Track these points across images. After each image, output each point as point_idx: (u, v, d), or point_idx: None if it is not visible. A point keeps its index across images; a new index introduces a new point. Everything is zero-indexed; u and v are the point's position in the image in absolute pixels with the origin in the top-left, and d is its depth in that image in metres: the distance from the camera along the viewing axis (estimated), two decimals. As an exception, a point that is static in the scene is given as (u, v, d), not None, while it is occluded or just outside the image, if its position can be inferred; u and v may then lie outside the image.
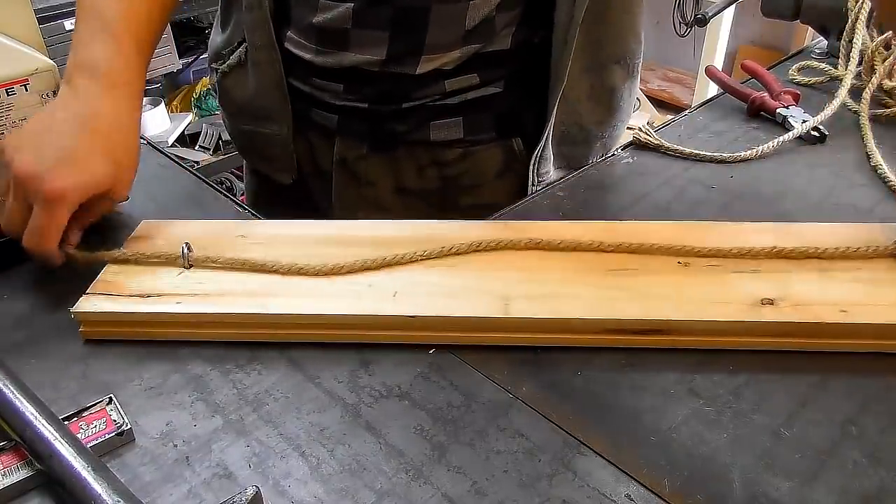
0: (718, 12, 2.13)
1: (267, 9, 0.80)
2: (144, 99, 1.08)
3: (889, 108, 0.94)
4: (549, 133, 0.85)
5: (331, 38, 0.80)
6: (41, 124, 0.64)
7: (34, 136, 0.63)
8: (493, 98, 0.84)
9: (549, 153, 0.87)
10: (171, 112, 2.71)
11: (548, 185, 0.85)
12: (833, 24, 1.07)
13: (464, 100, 0.83)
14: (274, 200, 1.00)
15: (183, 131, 2.62)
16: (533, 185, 0.88)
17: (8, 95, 0.64)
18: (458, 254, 0.64)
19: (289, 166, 0.92)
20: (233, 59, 0.87)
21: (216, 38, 0.93)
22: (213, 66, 0.94)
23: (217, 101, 0.96)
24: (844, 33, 0.99)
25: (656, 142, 0.88)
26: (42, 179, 0.60)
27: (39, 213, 0.61)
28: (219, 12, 0.92)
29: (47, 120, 0.64)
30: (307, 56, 0.82)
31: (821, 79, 1.03)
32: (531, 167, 0.86)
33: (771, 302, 0.59)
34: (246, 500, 0.46)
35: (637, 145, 0.89)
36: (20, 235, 0.63)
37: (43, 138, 0.62)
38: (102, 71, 0.66)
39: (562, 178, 0.85)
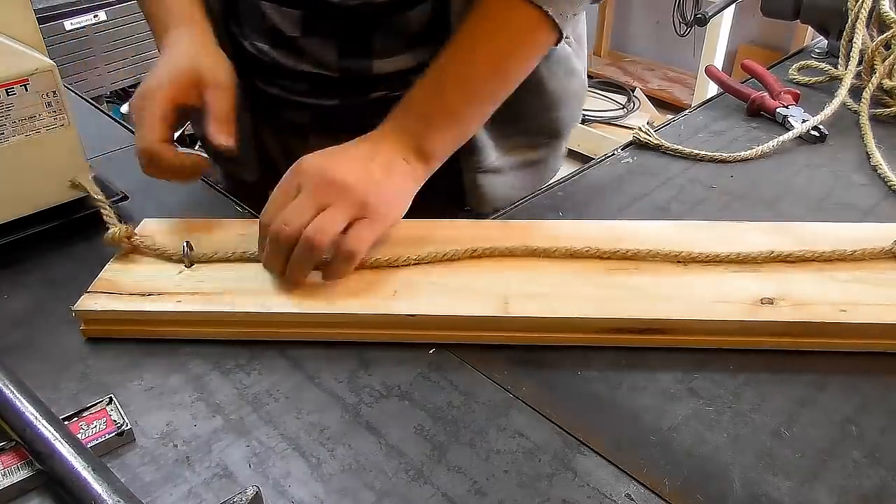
0: (718, 12, 2.13)
1: (216, 16, 0.80)
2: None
3: (889, 107, 0.94)
4: None
5: (283, 43, 0.80)
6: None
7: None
8: None
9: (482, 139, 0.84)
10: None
11: (548, 186, 0.85)
12: (833, 24, 1.07)
13: None
14: (250, 195, 1.00)
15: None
16: (468, 171, 0.85)
17: (8, 95, 0.64)
18: (456, 259, 0.64)
19: (252, 166, 0.92)
20: None
21: None
22: None
23: None
24: (844, 33, 0.99)
25: (656, 142, 0.88)
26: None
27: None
28: None
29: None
30: (266, 60, 0.83)
31: (821, 79, 1.03)
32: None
33: (770, 301, 0.59)
34: (246, 500, 0.46)
35: (637, 145, 0.89)
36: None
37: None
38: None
39: (563, 178, 0.85)
